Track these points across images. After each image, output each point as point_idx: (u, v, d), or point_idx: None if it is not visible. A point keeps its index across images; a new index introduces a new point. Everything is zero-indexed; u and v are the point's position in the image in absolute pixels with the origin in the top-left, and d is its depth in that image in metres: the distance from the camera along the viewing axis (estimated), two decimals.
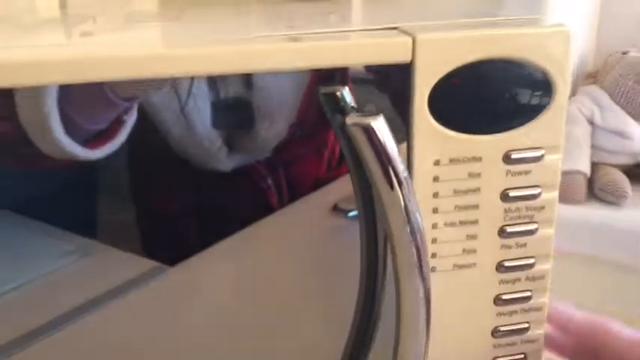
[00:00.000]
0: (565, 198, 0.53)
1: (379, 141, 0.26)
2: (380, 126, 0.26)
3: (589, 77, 0.59)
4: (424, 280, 0.30)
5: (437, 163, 0.31)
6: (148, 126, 0.72)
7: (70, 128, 0.62)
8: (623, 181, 0.53)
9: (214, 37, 0.30)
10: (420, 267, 0.30)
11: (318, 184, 1.12)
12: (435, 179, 0.32)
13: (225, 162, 0.97)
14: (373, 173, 0.27)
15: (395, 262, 0.30)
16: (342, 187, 0.78)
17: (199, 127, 0.86)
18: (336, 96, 0.33)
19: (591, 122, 0.56)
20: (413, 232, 0.29)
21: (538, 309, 0.36)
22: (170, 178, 0.95)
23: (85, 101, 0.63)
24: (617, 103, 0.55)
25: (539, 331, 0.36)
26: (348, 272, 0.56)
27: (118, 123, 0.69)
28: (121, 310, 0.63)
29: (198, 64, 0.28)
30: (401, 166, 0.27)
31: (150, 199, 0.95)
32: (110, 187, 0.85)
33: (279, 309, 0.63)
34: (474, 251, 0.34)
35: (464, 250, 0.34)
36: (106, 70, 0.27)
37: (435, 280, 0.33)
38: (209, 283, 0.71)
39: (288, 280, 0.68)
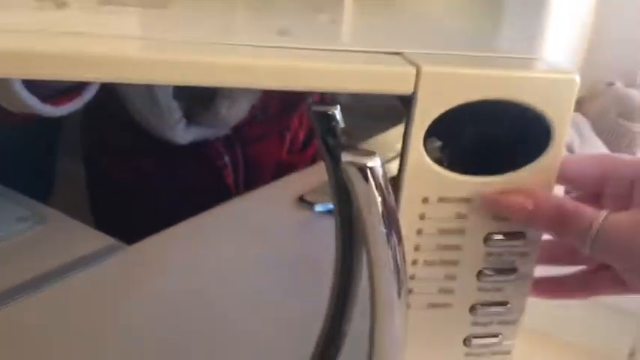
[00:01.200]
0: None
1: (374, 182, 0.24)
2: (376, 166, 0.25)
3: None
4: (401, 318, 0.29)
5: (425, 200, 0.30)
6: (108, 89, 0.69)
7: (33, 84, 0.59)
8: None
9: (199, 41, 0.28)
10: (396, 305, 0.28)
11: (279, 167, 1.09)
12: (421, 217, 0.30)
13: (183, 134, 0.94)
14: (363, 212, 0.25)
15: (373, 296, 0.29)
16: (308, 178, 0.77)
17: (161, 97, 0.82)
18: (328, 115, 0.31)
19: (570, 150, 0.56)
20: (396, 270, 0.28)
21: (506, 352, 0.35)
22: (125, 144, 0.91)
23: None
24: (599, 135, 0.55)
25: None
26: (311, 268, 0.55)
27: (84, 83, 0.66)
28: (75, 287, 0.61)
29: (178, 73, 0.25)
30: (394, 210, 0.25)
31: (102, 162, 0.91)
32: (68, 147, 0.80)
33: (238, 303, 0.61)
34: (451, 291, 0.33)
35: (440, 290, 0.33)
36: (74, 68, 0.24)
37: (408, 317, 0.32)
38: (165, 265, 0.69)
39: (246, 270, 0.66)
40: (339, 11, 0.45)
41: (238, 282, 0.64)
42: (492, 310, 0.33)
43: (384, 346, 0.29)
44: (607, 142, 0.55)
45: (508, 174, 0.31)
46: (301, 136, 1.01)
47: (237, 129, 0.91)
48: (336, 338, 0.38)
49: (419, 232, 0.31)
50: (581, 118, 0.56)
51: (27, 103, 0.58)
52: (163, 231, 0.75)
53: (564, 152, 0.56)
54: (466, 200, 0.30)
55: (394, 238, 0.26)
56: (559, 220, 0.30)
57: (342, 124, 0.31)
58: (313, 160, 1.03)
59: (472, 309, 0.33)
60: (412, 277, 0.32)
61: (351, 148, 0.26)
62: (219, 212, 0.83)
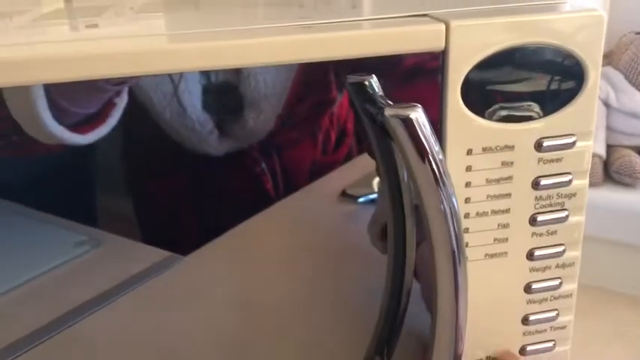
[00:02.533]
0: None
1: (419, 133, 0.26)
2: (419, 117, 0.26)
3: (604, 57, 0.58)
4: (460, 270, 0.30)
5: (469, 152, 0.31)
6: (138, 110, 0.72)
7: (59, 113, 0.61)
8: (639, 162, 0.53)
9: (226, 29, 0.30)
10: (457, 257, 0.29)
11: (314, 168, 1.10)
12: (468, 169, 0.31)
13: (217, 146, 0.96)
14: (412, 166, 0.26)
15: (432, 252, 0.30)
16: (346, 174, 0.78)
17: (190, 110, 0.85)
18: (365, 85, 0.32)
19: (606, 104, 0.56)
20: (451, 224, 0.28)
21: (567, 296, 0.36)
22: (165, 163, 0.94)
23: (73, 87, 0.62)
24: (633, 84, 0.55)
25: (568, 318, 0.36)
26: (363, 258, 0.56)
27: (108, 106, 0.68)
28: (138, 300, 0.63)
29: (209, 57, 0.27)
30: (440, 156, 0.26)
31: (146, 185, 0.94)
32: (106, 172, 0.83)
33: (294, 300, 0.62)
34: (506, 240, 0.33)
35: (495, 240, 0.33)
36: (106, 66, 0.26)
37: (467, 270, 0.33)
38: (223, 273, 0.70)
39: (301, 270, 0.67)
40: None
41: (294, 278, 0.65)
42: (549, 253, 0.34)
43: (446, 300, 0.30)
44: None
45: (547, 117, 0.31)
46: (333, 136, 1.02)
47: (271, 135, 0.93)
48: (398, 306, 0.39)
49: (467, 184, 0.32)
50: (613, 71, 0.56)
51: (54, 133, 0.61)
52: (216, 239, 0.77)
53: (601, 107, 0.56)
54: (510, 147, 0.31)
55: (447, 189, 0.27)
56: None
57: (380, 92, 0.33)
58: (347, 159, 1.04)
59: (529, 255, 0.34)
60: (466, 230, 0.33)
61: (385, 100, 0.27)
62: (266, 215, 0.85)
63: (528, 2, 0.33)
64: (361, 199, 0.85)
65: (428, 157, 0.26)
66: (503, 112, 0.31)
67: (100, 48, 0.27)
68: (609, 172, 0.55)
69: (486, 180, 0.32)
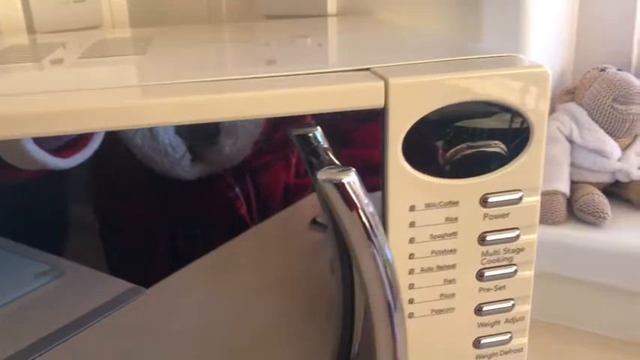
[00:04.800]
0: (544, 219, 0.52)
1: (351, 197, 0.25)
2: (352, 181, 0.25)
3: (568, 94, 0.58)
4: (399, 326, 0.29)
5: (412, 208, 0.30)
6: (108, 138, 0.70)
7: (40, 138, 0.60)
8: (603, 202, 0.53)
9: (190, 80, 0.29)
10: (393, 314, 0.29)
11: (287, 191, 1.10)
12: (411, 225, 0.31)
13: (190, 170, 0.95)
14: (346, 227, 0.26)
15: (369, 308, 0.29)
16: (317, 201, 0.75)
17: (162, 134, 0.84)
18: (309, 137, 0.32)
19: (570, 140, 0.56)
20: (386, 282, 0.28)
21: (518, 350, 0.35)
22: (134, 188, 0.92)
23: None
24: (596, 121, 0.55)
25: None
26: (332, 288, 0.55)
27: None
28: (99, 334, 0.62)
29: (177, 114, 0.27)
30: (374, 221, 0.26)
31: (114, 210, 0.92)
32: (72, 198, 0.82)
33: (263, 330, 0.61)
34: (453, 295, 0.33)
35: (442, 295, 0.33)
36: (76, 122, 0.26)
37: (413, 326, 0.32)
38: (187, 304, 0.69)
39: (270, 300, 0.67)
40: (317, 34, 0.46)
41: (261, 309, 0.64)
42: (498, 309, 0.33)
43: (385, 353, 0.29)
44: (606, 129, 0.55)
45: (492, 173, 0.31)
46: None
47: (244, 161, 0.92)
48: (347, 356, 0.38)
49: (411, 240, 0.31)
50: (576, 108, 0.56)
51: (37, 158, 0.60)
52: (183, 269, 0.76)
53: (565, 144, 0.56)
54: (454, 203, 0.31)
55: (380, 249, 0.26)
56: None
57: (324, 144, 0.32)
58: None
59: (477, 310, 0.33)
60: (411, 286, 0.32)
61: (327, 165, 0.26)
62: (235, 244, 0.84)
63: (474, 55, 0.33)
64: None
65: (360, 216, 0.25)
66: (447, 168, 0.30)
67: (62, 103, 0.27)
68: (572, 209, 0.54)
69: (430, 236, 0.31)
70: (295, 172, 1.11)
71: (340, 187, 0.25)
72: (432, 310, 0.33)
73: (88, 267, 0.77)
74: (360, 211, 0.25)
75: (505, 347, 0.35)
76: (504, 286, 0.33)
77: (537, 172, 0.32)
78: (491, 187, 0.31)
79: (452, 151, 0.30)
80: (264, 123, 0.97)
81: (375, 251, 0.26)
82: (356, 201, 0.25)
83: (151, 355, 0.59)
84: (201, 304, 0.71)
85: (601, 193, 0.54)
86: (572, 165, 0.56)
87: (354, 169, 0.25)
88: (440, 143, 0.30)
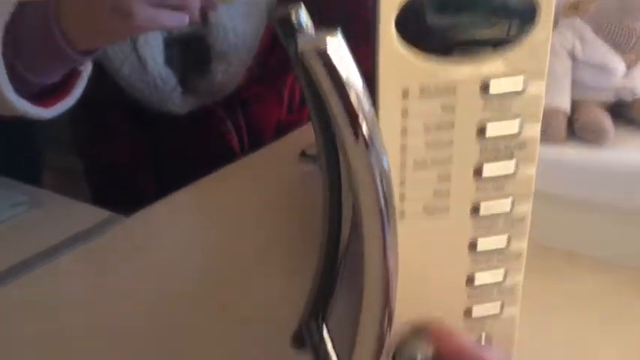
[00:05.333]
0: (544, 137, 0.50)
1: (335, 63, 0.22)
2: (337, 45, 0.22)
3: (571, 7, 0.55)
4: (389, 226, 0.27)
5: (405, 94, 0.28)
6: (94, 70, 0.66)
7: (21, 85, 0.56)
8: (605, 119, 0.50)
9: None
10: (385, 212, 0.26)
11: (279, 127, 1.06)
12: (404, 114, 0.28)
13: (180, 104, 0.91)
14: (331, 104, 0.23)
15: (357, 205, 0.27)
16: (309, 133, 0.73)
17: (151, 65, 0.79)
18: (289, 16, 0.28)
19: (572, 56, 0.53)
20: (377, 173, 0.25)
21: (516, 255, 0.33)
22: (120, 126, 0.89)
23: (37, 57, 0.57)
24: (600, 36, 0.52)
25: (517, 279, 0.34)
26: (318, 220, 0.52)
27: (73, 76, 0.63)
28: (77, 260, 0.60)
29: None
30: (364, 95, 0.23)
31: (99, 149, 0.89)
32: (55, 136, 0.78)
33: (246, 258, 0.60)
34: (447, 194, 0.30)
35: (435, 193, 0.30)
36: None
37: (403, 226, 0.30)
38: (170, 232, 0.67)
39: (257, 226, 0.65)
40: None
41: (244, 240, 0.62)
42: (495, 209, 0.31)
43: (374, 258, 0.27)
44: (611, 44, 0.52)
45: (494, 56, 0.28)
46: (298, 93, 0.99)
47: (236, 92, 0.88)
48: (334, 267, 0.36)
49: (403, 131, 0.28)
50: (580, 23, 0.53)
51: (16, 107, 0.56)
52: (166, 198, 0.74)
53: (567, 59, 0.53)
54: (451, 89, 0.28)
55: (367, 129, 0.23)
56: None
57: (309, 26, 0.29)
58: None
59: (474, 210, 0.31)
60: (402, 183, 0.30)
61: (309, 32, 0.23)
62: (222, 175, 0.81)
63: None
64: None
65: (344, 87, 0.22)
66: (444, 49, 0.27)
67: None
68: (573, 128, 0.52)
69: (425, 126, 0.28)
70: (287, 107, 1.06)
71: (323, 54, 0.22)
72: (425, 209, 0.30)
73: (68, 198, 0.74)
74: (343, 77, 0.22)
75: (503, 251, 0.32)
76: (503, 184, 0.31)
77: (543, 57, 0.29)
78: (492, 71, 0.28)
79: (450, 30, 0.27)
80: (257, 48, 0.91)
81: (364, 133, 0.23)
82: (340, 66, 0.22)
83: (129, 280, 0.57)
84: (185, 231, 0.69)
85: (603, 111, 0.52)
86: (574, 83, 0.53)
87: (339, 29, 0.22)
88: (437, 20, 0.27)
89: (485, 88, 0.28)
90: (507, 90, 0.29)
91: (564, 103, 0.52)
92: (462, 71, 0.28)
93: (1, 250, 0.61)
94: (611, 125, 0.50)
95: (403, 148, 0.29)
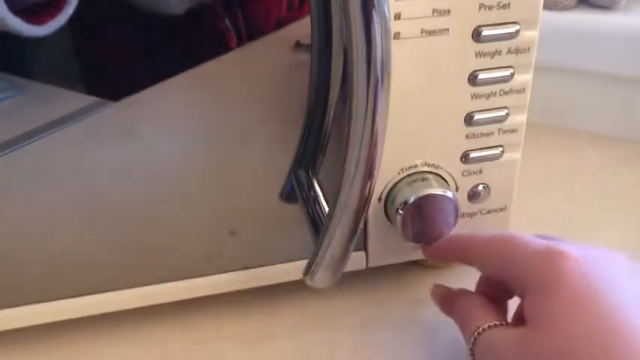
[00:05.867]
0: (552, 2, 0.46)
1: None
2: None
3: None
4: (380, 45, 0.24)
5: None
6: None
7: (10, 2, 0.52)
8: None
9: None
10: (372, 29, 0.23)
11: (280, 26, 1.03)
12: None
13: (176, 3, 0.87)
14: None
15: (346, 17, 0.24)
16: (305, 27, 0.69)
17: None
18: None
19: None
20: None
21: (520, 90, 0.30)
22: (115, 28, 0.85)
23: None
24: None
25: (520, 118, 0.31)
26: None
27: None
28: (61, 141, 0.58)
29: None
30: None
31: (92, 53, 0.85)
32: (52, 39, 0.74)
33: (236, 138, 0.58)
34: (447, 12, 0.27)
35: (434, 11, 0.27)
36: None
37: (399, 49, 0.27)
38: (160, 115, 0.65)
39: (246, 112, 0.62)
40: None
41: (234, 119, 0.60)
42: (500, 34, 0.28)
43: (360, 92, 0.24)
44: None
45: None
46: None
47: None
48: (323, 118, 0.34)
49: None
50: None
51: (8, 24, 0.52)
52: (155, 85, 0.71)
53: None
54: None
55: None
56: (460, 321, 0.30)
57: None
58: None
59: (476, 34, 0.28)
60: None
61: None
62: (215, 63, 0.79)
63: None
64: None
65: None
66: None
67: None
68: None
69: None
70: (287, 6, 1.02)
71: None
72: (422, 31, 0.28)
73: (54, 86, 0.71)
74: None
75: (505, 86, 0.30)
76: (509, 4, 0.28)
77: None
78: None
79: None
80: None
81: None
82: None
83: (113, 164, 0.55)
84: (173, 114, 0.66)
85: None
86: None
87: None
88: None
89: None
90: None
91: None
92: None
93: None
94: None
95: None
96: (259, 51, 0.90)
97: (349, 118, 0.24)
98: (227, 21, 1.01)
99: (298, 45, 0.88)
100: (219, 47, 0.99)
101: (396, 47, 0.27)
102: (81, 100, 0.71)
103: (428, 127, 0.30)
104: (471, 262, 0.29)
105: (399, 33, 0.27)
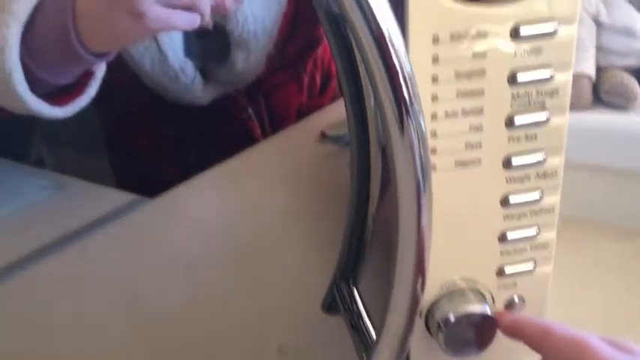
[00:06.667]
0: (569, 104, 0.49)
1: (372, 9, 0.22)
2: None
3: None
4: (423, 178, 0.26)
5: (436, 40, 0.27)
6: (115, 62, 0.66)
7: (34, 84, 0.56)
8: (632, 82, 0.49)
9: None
10: (420, 163, 0.26)
11: (300, 113, 1.05)
12: (435, 60, 0.27)
13: (202, 94, 0.90)
14: (362, 41, 0.22)
15: (390, 156, 0.26)
16: (329, 115, 0.74)
17: (172, 58, 0.79)
18: None
19: (596, 21, 0.52)
20: (410, 122, 0.25)
21: (549, 210, 0.32)
22: (144, 116, 0.89)
23: (51, 57, 0.57)
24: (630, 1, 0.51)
25: (550, 235, 0.33)
26: (340, 195, 0.52)
27: (86, 77, 0.63)
28: (101, 242, 0.60)
29: None
30: (397, 33, 0.22)
31: (122, 139, 0.89)
32: (78, 122, 0.78)
33: (269, 235, 0.59)
34: (479, 145, 0.30)
35: (467, 145, 0.30)
36: None
37: (435, 180, 0.30)
38: (193, 214, 0.67)
39: (277, 207, 0.65)
40: None
41: (266, 215, 0.62)
42: (527, 161, 0.30)
43: (407, 218, 0.26)
44: (633, 3, 0.51)
45: (524, 0, 0.27)
46: (318, 79, 0.98)
47: (257, 80, 0.88)
48: (363, 230, 0.36)
49: (434, 79, 0.28)
50: None
51: (31, 106, 0.56)
52: (189, 180, 0.74)
53: (591, 24, 0.52)
54: (482, 34, 0.27)
55: (403, 71, 0.23)
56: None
57: None
58: (332, 102, 0.99)
59: (506, 163, 0.30)
60: (433, 134, 0.29)
61: None
62: (243, 158, 0.81)
63: None
64: (340, 140, 0.81)
65: (380, 31, 0.22)
66: None
67: None
68: (599, 94, 0.51)
69: (456, 74, 0.28)
70: (308, 93, 1.05)
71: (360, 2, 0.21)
72: (457, 162, 0.30)
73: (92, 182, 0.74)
74: (378, 17, 0.22)
75: (535, 206, 0.32)
76: (535, 135, 0.30)
77: (574, 2, 0.28)
78: (523, 14, 0.27)
79: None
80: (277, 34, 0.90)
81: (397, 71, 0.23)
82: (376, 9, 0.22)
83: (154, 263, 0.57)
84: (208, 212, 0.69)
85: (629, 75, 0.51)
86: (599, 49, 0.52)
87: None
88: None
89: (516, 32, 0.28)
90: (538, 34, 0.28)
91: (589, 68, 0.51)
92: (493, 15, 0.27)
93: (30, 232, 0.62)
94: (638, 88, 0.49)
95: (434, 98, 0.28)
96: (285, 143, 0.92)
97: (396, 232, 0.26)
98: (250, 110, 1.04)
99: (324, 136, 0.90)
100: (243, 135, 1.02)
101: (432, 176, 0.29)
102: (116, 197, 0.73)
103: (464, 245, 0.32)
104: (538, 352, 0.30)
105: (435, 165, 0.30)
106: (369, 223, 0.36)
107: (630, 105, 0.49)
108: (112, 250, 0.59)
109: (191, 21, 0.54)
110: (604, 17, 0.51)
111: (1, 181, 0.76)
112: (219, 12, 0.58)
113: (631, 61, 0.52)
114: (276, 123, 0.90)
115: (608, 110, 0.51)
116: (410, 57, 0.26)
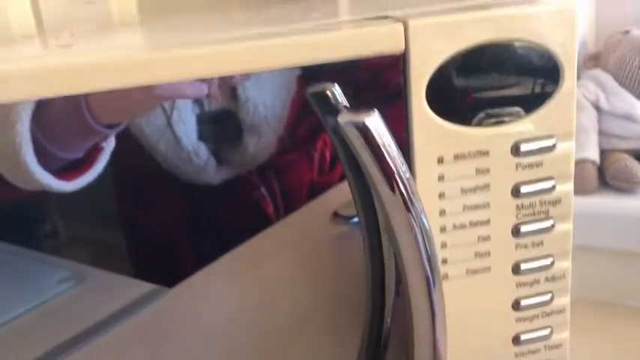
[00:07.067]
0: (575, 189, 0.50)
1: (375, 139, 0.23)
2: (375, 123, 0.24)
3: (591, 59, 0.56)
4: (435, 289, 0.27)
5: (440, 160, 0.29)
6: (131, 144, 0.69)
7: (43, 158, 0.59)
8: (636, 167, 0.51)
9: (200, 39, 0.28)
10: (430, 275, 0.27)
11: (312, 189, 1.08)
12: (440, 178, 0.29)
13: (214, 175, 0.93)
14: (372, 175, 0.24)
15: (402, 269, 0.28)
16: (340, 194, 0.75)
17: (186, 141, 0.82)
18: (326, 95, 0.30)
19: (597, 107, 0.54)
20: (419, 236, 0.26)
21: (560, 311, 0.33)
22: (159, 196, 0.91)
23: (62, 129, 0.59)
24: (623, 85, 0.53)
25: (563, 335, 0.34)
26: (356, 279, 0.53)
27: (95, 151, 0.66)
28: (123, 335, 0.61)
29: (185, 67, 0.26)
30: (402, 165, 0.24)
31: (138, 219, 0.91)
32: (94, 205, 0.80)
33: (288, 324, 0.60)
34: (488, 254, 0.31)
35: (476, 254, 0.31)
36: (88, 79, 0.25)
37: (448, 288, 0.31)
38: (213, 302, 0.68)
39: (294, 293, 0.65)
40: (325, 7, 0.45)
41: (284, 303, 0.63)
42: (536, 266, 0.31)
43: (423, 325, 0.28)
44: (635, 93, 0.53)
45: (523, 119, 0.29)
46: (328, 155, 1.01)
47: (269, 160, 0.90)
48: (382, 321, 0.37)
49: (441, 195, 0.29)
50: (602, 74, 0.54)
51: (39, 179, 0.58)
52: (206, 267, 0.75)
53: (592, 111, 0.54)
54: (484, 153, 0.29)
55: (411, 200, 0.24)
56: None
57: (344, 103, 0.31)
58: (342, 178, 1.01)
59: (515, 269, 0.31)
60: (444, 246, 0.30)
61: (348, 109, 0.25)
62: (258, 241, 0.83)
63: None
64: (352, 220, 0.83)
65: (386, 162, 0.23)
66: (474, 116, 0.29)
67: (78, 61, 0.26)
68: (604, 178, 0.52)
69: (461, 189, 0.29)
70: (319, 169, 1.08)
71: (363, 130, 0.23)
72: (467, 271, 0.31)
73: (111, 272, 0.76)
74: (386, 154, 0.24)
75: (547, 308, 0.33)
76: (542, 241, 0.31)
77: (570, 115, 0.30)
78: (522, 133, 0.29)
79: (479, 96, 0.29)
80: (287, 117, 0.94)
81: (405, 199, 0.24)
82: (381, 144, 0.24)
83: (177, 354, 0.57)
84: (227, 300, 0.70)
85: (633, 159, 0.52)
86: (601, 133, 0.54)
87: (376, 110, 0.24)
88: (465, 88, 0.28)
89: (516, 149, 0.29)
90: (538, 149, 0.30)
91: (593, 154, 0.52)
92: (493, 137, 0.29)
93: (51, 327, 0.63)
94: None
95: (442, 213, 0.30)
96: (300, 224, 0.93)
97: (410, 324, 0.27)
98: (263, 189, 1.07)
99: (336, 215, 0.92)
100: (256, 213, 1.04)
101: (445, 285, 0.30)
102: (137, 286, 0.74)
103: (479, 349, 0.33)
104: None
105: (446, 274, 0.31)
106: (387, 319, 0.37)
107: (636, 189, 0.51)
108: (133, 342, 0.60)
109: (199, 89, 0.57)
110: (604, 104, 0.53)
111: (24, 274, 0.78)
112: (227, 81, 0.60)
113: (633, 144, 0.54)
114: (288, 200, 0.91)
115: (615, 194, 0.52)
116: (416, 176, 0.28)
